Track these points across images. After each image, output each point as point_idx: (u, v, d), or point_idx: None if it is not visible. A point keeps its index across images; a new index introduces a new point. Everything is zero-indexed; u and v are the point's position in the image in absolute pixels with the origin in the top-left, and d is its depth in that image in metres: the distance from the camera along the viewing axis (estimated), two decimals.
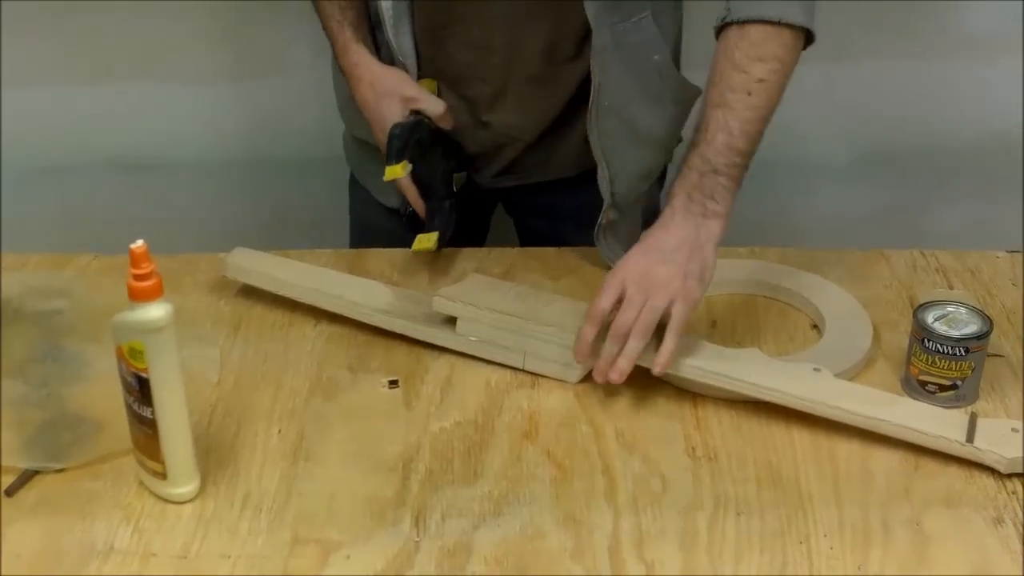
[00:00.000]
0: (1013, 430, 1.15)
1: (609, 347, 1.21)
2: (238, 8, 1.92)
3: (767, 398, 1.20)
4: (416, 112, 1.39)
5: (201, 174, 2.05)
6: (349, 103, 1.48)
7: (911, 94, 2.01)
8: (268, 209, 2.07)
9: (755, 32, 1.25)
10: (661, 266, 1.22)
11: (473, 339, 1.29)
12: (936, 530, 1.07)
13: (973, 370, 1.21)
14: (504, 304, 1.29)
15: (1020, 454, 1.12)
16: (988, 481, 1.13)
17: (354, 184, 1.65)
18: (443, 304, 1.30)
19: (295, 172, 2.06)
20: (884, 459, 1.16)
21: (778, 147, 2.01)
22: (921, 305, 1.26)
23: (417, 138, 1.37)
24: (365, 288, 1.38)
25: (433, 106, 1.39)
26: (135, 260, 1.03)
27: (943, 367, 1.21)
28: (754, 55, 1.25)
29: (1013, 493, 1.11)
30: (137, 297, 1.04)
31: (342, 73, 1.45)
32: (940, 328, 1.22)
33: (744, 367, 1.22)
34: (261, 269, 1.40)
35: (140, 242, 1.03)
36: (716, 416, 1.22)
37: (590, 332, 1.22)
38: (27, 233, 1.90)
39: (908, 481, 1.13)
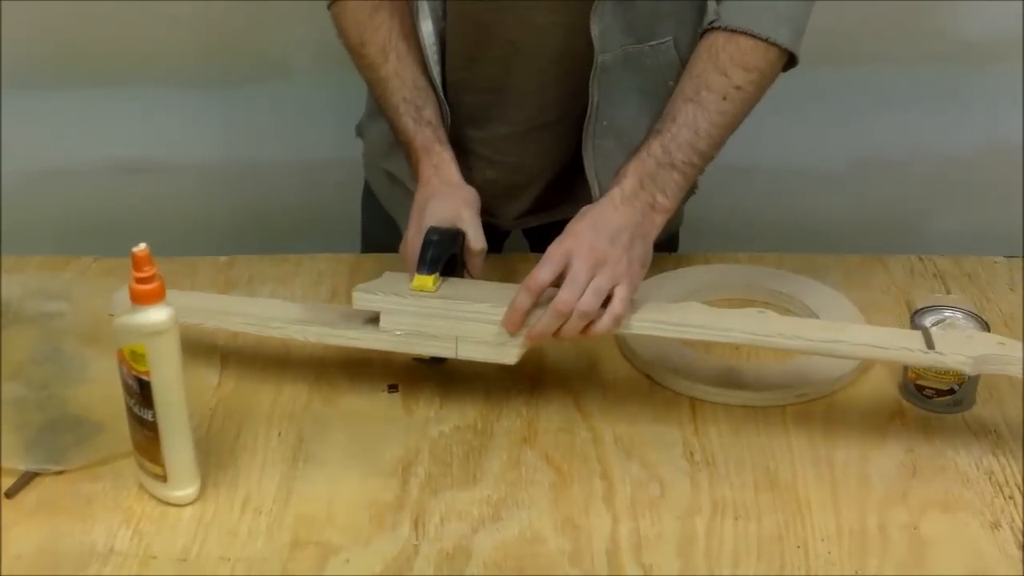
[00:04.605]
0: (968, 337, 1.16)
1: (549, 321, 1.16)
2: (241, 11, 1.92)
3: (720, 340, 1.18)
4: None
5: (202, 177, 2.06)
6: (383, 141, 1.45)
7: (909, 99, 2.01)
8: (269, 213, 2.08)
9: (744, 41, 1.26)
10: (608, 246, 1.19)
11: (399, 333, 1.21)
12: (933, 535, 1.08)
13: (970, 376, 1.22)
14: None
15: (984, 352, 1.12)
16: (985, 486, 1.13)
17: (372, 205, 1.60)
18: (364, 299, 1.22)
19: (297, 176, 2.06)
20: (881, 464, 1.16)
21: (776, 152, 2.04)
22: (919, 310, 1.26)
23: (452, 253, 1.25)
24: (272, 304, 1.33)
25: (476, 241, 1.27)
26: (137, 263, 1.03)
27: (941, 372, 1.21)
28: (739, 62, 1.25)
29: (1010, 498, 1.12)
30: (139, 300, 1.04)
31: (409, 163, 1.36)
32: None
33: (690, 316, 1.20)
34: None
35: (143, 245, 1.03)
36: (714, 421, 1.22)
37: (525, 302, 1.17)
38: (27, 236, 1.91)
39: (905, 486, 1.14)
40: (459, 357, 1.20)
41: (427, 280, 1.21)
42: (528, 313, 1.18)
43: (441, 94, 1.36)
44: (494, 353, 1.20)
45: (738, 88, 1.25)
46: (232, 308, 1.31)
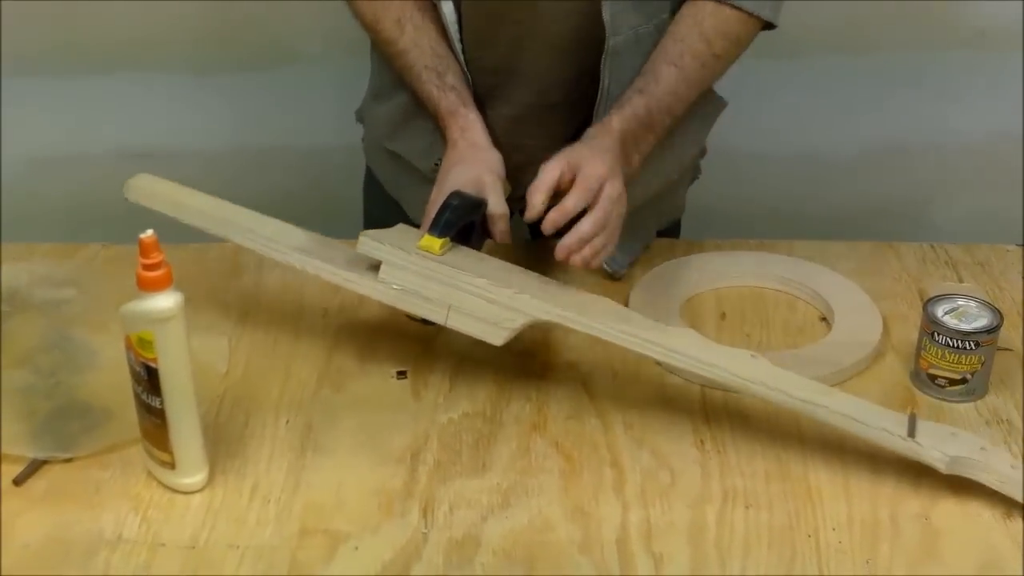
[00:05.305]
0: (952, 434, 1.11)
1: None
2: None
3: (704, 374, 1.16)
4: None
5: (209, 164, 2.05)
6: (389, 121, 1.46)
7: (920, 87, 2.00)
8: (276, 199, 2.06)
9: (730, 13, 1.30)
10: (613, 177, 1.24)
11: (396, 287, 1.20)
12: (945, 524, 1.07)
13: (983, 364, 1.21)
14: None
15: (963, 453, 1.08)
16: None
17: (375, 190, 1.59)
18: (369, 246, 1.21)
19: (303, 162, 2.06)
20: (893, 454, 1.15)
21: (787, 140, 2.03)
22: (931, 298, 1.26)
23: (470, 221, 1.25)
24: (280, 227, 1.29)
25: (496, 206, 1.28)
26: (144, 250, 1.03)
27: (952, 361, 1.21)
28: (722, 30, 1.30)
29: None
30: (146, 287, 1.04)
31: (439, 128, 1.37)
32: (950, 322, 1.22)
33: (682, 343, 1.17)
34: (167, 194, 1.30)
35: (149, 232, 1.03)
36: (725, 409, 1.22)
37: (543, 193, 1.23)
38: (35, 223, 1.90)
39: (917, 475, 1.13)
40: (447, 325, 1.20)
41: (435, 242, 1.21)
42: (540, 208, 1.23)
43: (463, 64, 1.36)
44: (483, 330, 1.19)
45: (716, 56, 1.30)
46: (240, 220, 1.29)
